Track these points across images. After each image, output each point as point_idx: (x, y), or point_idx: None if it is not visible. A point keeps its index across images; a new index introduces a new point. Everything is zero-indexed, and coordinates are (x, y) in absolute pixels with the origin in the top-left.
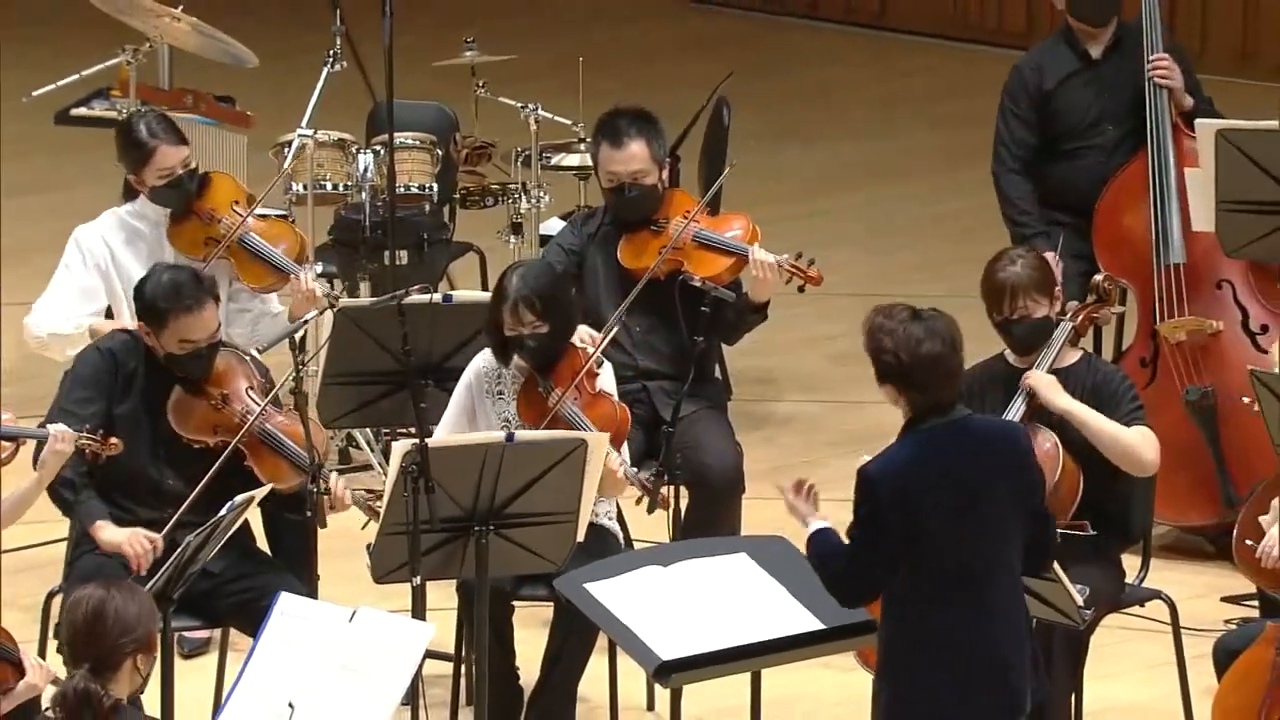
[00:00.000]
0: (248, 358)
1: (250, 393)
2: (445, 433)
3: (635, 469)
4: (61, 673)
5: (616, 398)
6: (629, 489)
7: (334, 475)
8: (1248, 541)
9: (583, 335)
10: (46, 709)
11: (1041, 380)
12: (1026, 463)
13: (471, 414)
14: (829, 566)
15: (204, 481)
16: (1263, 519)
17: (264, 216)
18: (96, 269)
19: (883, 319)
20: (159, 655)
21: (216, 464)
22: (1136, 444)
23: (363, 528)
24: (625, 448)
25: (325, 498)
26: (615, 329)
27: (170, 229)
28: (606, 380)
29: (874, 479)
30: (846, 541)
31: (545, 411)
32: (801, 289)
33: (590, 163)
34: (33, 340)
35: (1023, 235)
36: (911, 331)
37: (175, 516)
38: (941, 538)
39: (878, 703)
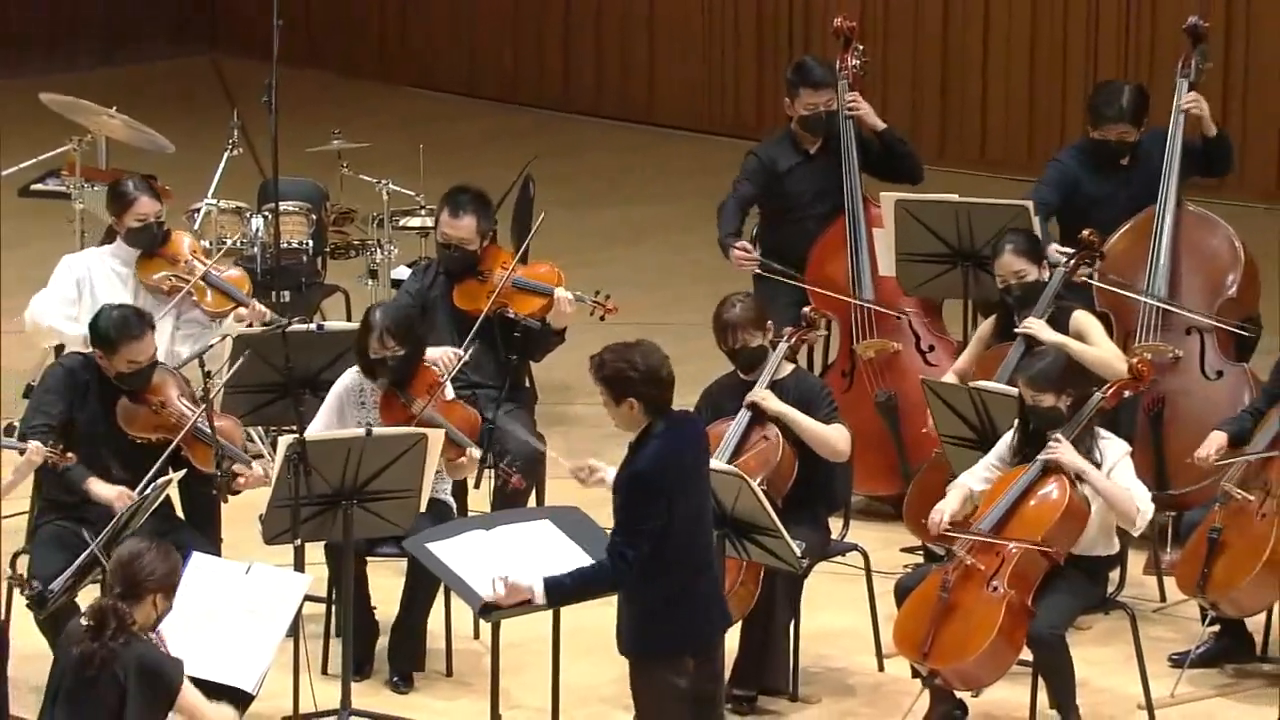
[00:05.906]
0: (177, 372)
1: (181, 399)
2: (318, 427)
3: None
4: None
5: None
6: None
7: (255, 464)
8: (923, 521)
9: (446, 355)
10: (81, 616)
11: (759, 395)
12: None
13: (340, 415)
14: (603, 575)
15: (155, 467)
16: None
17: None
18: (76, 283)
19: (612, 353)
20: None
21: (164, 455)
22: (833, 438)
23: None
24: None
25: (232, 481)
26: (467, 355)
27: (140, 265)
28: (448, 394)
29: (651, 474)
30: (614, 537)
31: (409, 418)
32: (602, 318)
33: (430, 224)
34: (31, 326)
35: (725, 239)
36: (639, 354)
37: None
38: (682, 504)
39: (624, 618)
